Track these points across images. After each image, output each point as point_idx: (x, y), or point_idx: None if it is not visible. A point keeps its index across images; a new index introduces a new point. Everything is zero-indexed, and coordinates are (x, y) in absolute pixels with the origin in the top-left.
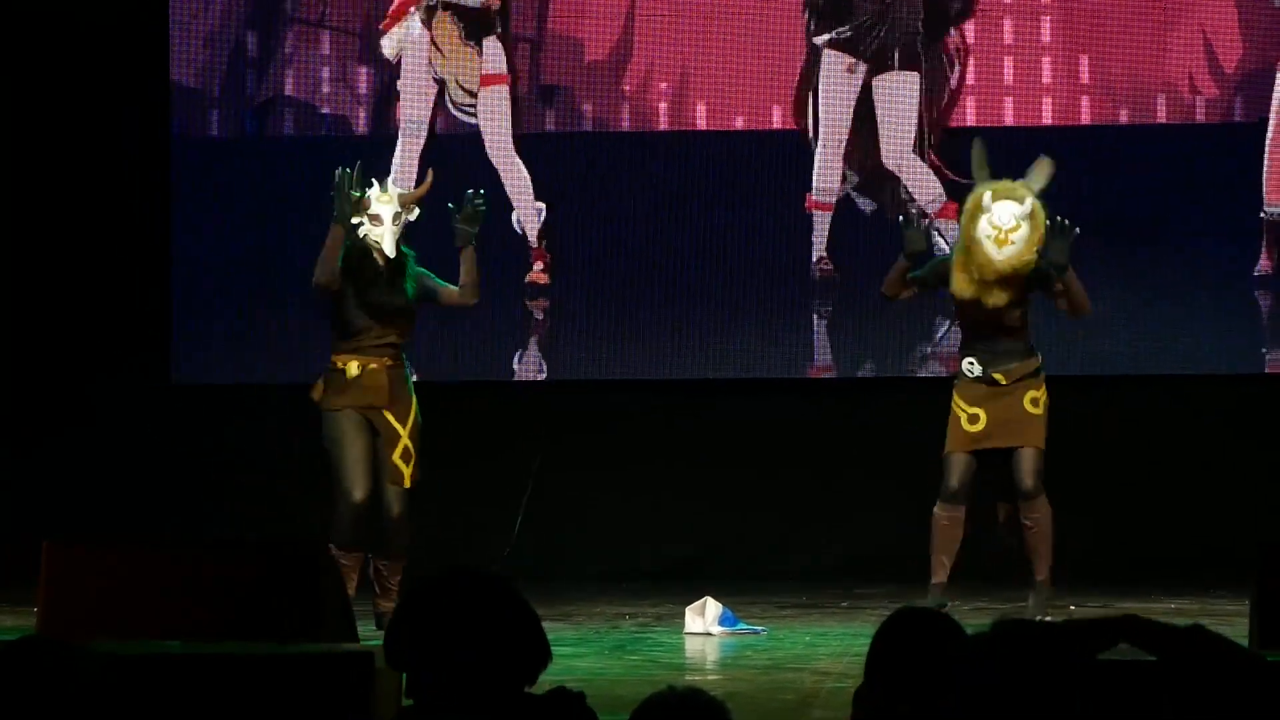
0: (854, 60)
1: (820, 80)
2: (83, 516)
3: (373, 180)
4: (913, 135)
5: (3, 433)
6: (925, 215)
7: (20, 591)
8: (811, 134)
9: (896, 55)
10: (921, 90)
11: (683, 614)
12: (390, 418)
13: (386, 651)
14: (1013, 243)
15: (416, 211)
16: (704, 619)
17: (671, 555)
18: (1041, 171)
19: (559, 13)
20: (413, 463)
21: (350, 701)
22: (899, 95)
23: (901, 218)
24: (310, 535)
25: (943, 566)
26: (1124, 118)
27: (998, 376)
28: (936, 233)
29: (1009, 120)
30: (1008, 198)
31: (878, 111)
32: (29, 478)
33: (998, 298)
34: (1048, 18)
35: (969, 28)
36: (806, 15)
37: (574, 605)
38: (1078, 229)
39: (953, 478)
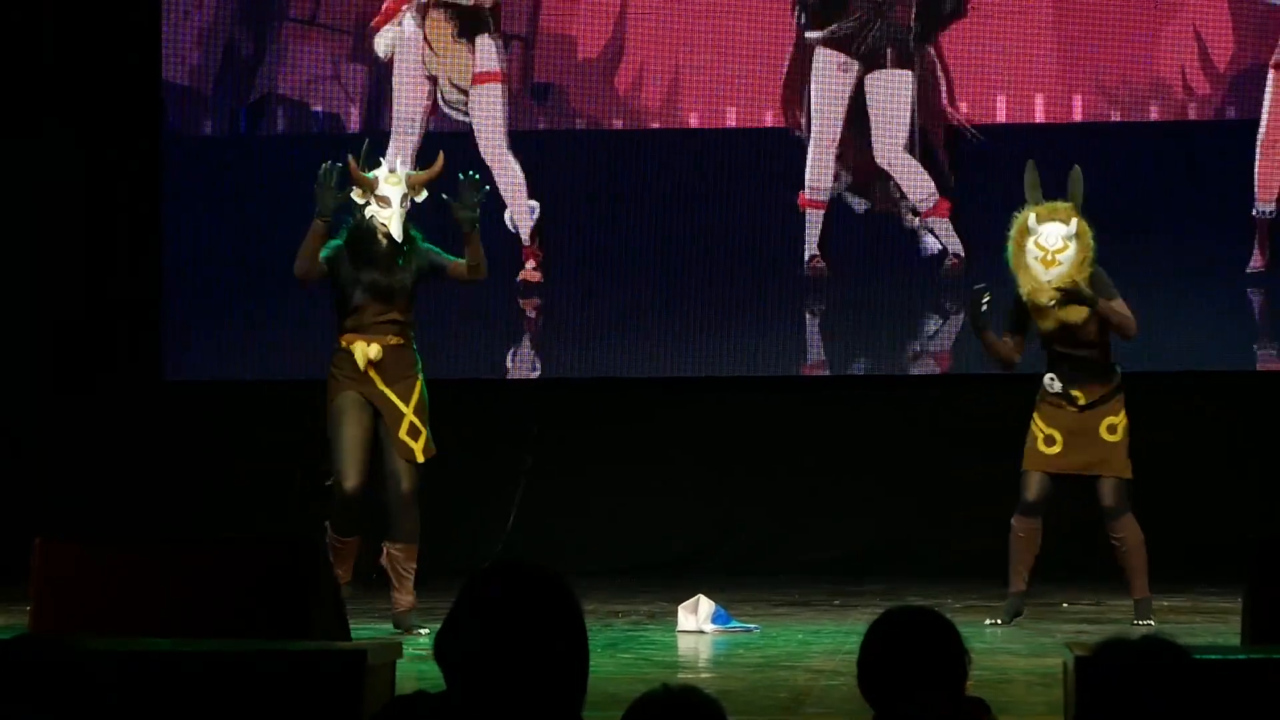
0: (847, 58)
1: (813, 78)
2: (75, 513)
3: (380, 160)
4: (905, 134)
5: None
6: (984, 291)
7: (13, 589)
8: (804, 131)
9: (890, 54)
10: (914, 89)
11: (675, 612)
12: (392, 395)
13: (439, 643)
14: (1060, 263)
15: (425, 194)
16: (696, 617)
17: (664, 552)
18: (1077, 186)
19: (551, 11)
20: (423, 438)
21: (341, 699)
22: (892, 93)
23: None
24: (303, 532)
25: (1020, 576)
26: (1116, 115)
27: (1076, 394)
28: (929, 232)
29: (1001, 118)
30: (1052, 219)
31: (870, 110)
32: (21, 475)
33: (1065, 315)
34: (1040, 15)
35: (962, 25)
36: (798, 11)
37: None
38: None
39: (1029, 492)
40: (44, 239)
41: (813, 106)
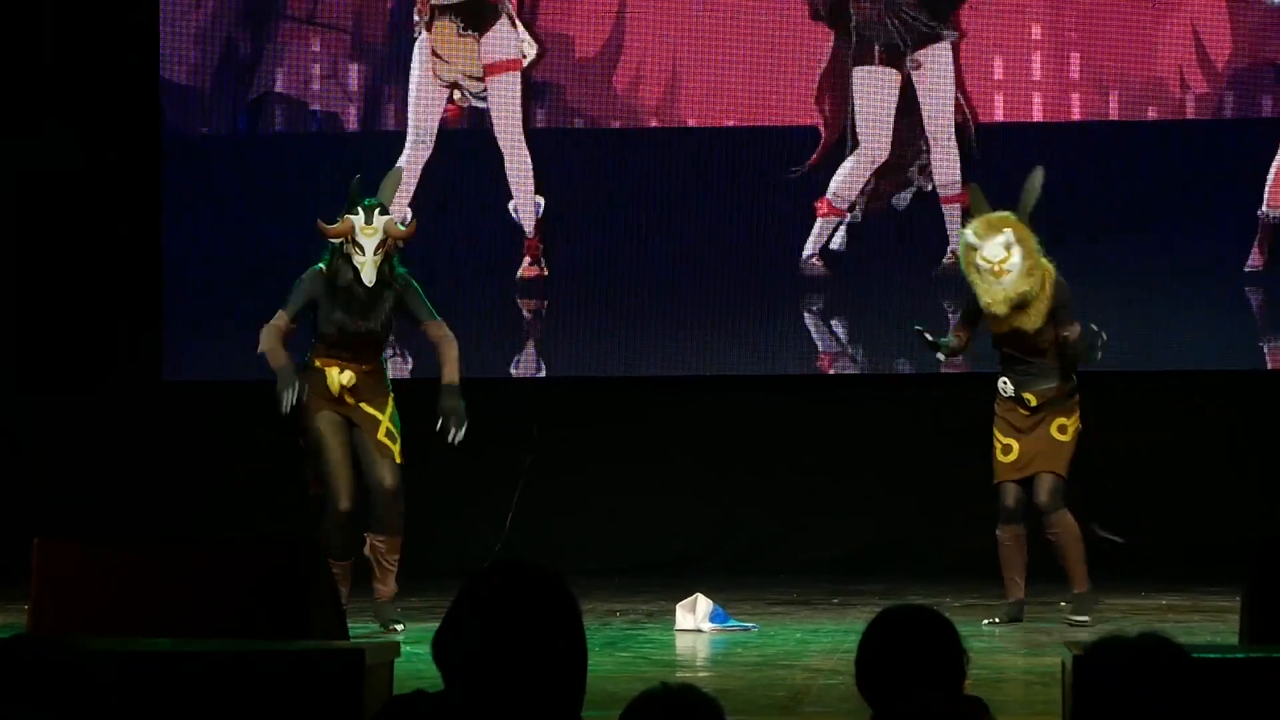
0: (890, 70)
1: (856, 96)
2: (75, 513)
3: (359, 209)
4: (952, 107)
5: None
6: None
7: (13, 589)
8: (826, 137)
9: (930, 30)
10: (954, 59)
11: (673, 610)
12: (366, 407)
13: (438, 641)
14: (1008, 271)
15: (404, 241)
16: (694, 615)
17: (663, 552)
18: (1032, 188)
19: (549, 9)
20: (398, 443)
21: (341, 699)
22: (935, 65)
23: (926, 337)
24: (302, 532)
25: (1014, 584)
26: (1114, 113)
27: (1028, 396)
28: (940, 220)
29: (999, 116)
30: (989, 234)
31: (918, 85)
32: (21, 475)
33: (1019, 322)
34: (1037, 13)
35: (960, 22)
36: (835, 34)
37: None
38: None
39: (1006, 500)
40: (44, 239)
41: (859, 124)
